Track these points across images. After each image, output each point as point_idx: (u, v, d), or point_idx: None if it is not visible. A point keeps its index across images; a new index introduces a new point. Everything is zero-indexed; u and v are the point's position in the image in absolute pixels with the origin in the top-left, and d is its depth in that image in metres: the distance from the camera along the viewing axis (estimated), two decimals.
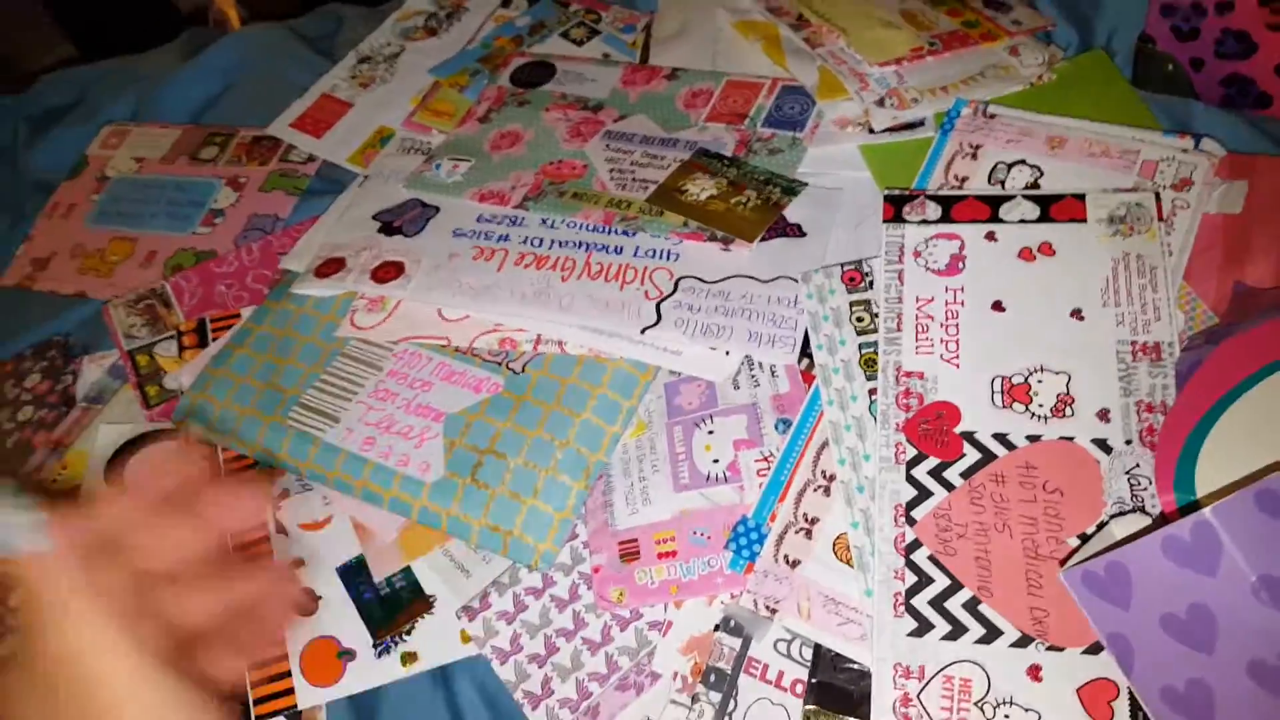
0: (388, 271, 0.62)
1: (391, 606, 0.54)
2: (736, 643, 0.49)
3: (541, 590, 0.53)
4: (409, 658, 0.52)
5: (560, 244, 0.62)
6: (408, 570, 0.55)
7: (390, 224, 0.65)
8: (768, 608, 0.49)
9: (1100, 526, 0.45)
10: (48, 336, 0.72)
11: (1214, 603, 0.34)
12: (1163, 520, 0.45)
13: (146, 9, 1.46)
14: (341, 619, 0.54)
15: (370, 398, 0.58)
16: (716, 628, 0.50)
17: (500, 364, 0.58)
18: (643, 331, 0.57)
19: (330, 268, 0.63)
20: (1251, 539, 0.33)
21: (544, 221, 0.63)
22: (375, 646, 0.53)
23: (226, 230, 0.75)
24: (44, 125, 0.90)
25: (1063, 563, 0.44)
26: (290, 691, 0.52)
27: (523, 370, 0.58)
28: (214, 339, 0.66)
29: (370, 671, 0.52)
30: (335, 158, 0.75)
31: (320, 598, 0.55)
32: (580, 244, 0.61)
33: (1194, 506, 0.44)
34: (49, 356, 0.70)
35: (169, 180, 0.80)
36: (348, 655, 0.53)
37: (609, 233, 0.62)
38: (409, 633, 0.53)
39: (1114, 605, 0.37)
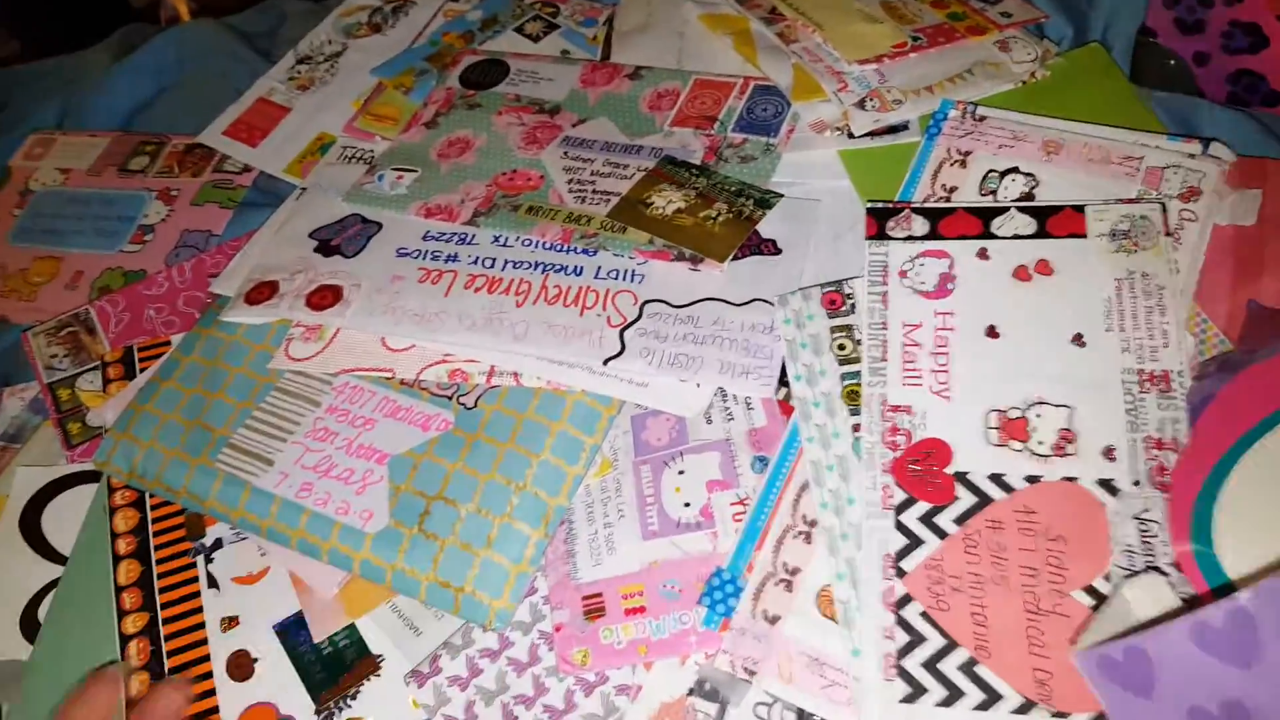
0: (324, 297, 0.56)
1: (334, 667, 0.49)
2: (712, 709, 0.45)
3: (498, 652, 0.48)
4: None
5: (514, 264, 0.56)
6: (351, 627, 0.50)
7: (328, 243, 0.59)
8: (745, 669, 0.45)
9: (1114, 587, 0.41)
10: None
11: (1250, 698, 0.29)
12: (1177, 572, 0.41)
13: (96, 3, 1.39)
14: (280, 682, 0.49)
15: (307, 437, 0.53)
16: (690, 692, 0.45)
17: (450, 398, 0.53)
18: (605, 363, 0.52)
19: (262, 293, 0.58)
20: None
21: (496, 239, 0.58)
22: (318, 713, 0.48)
23: (157, 248, 0.69)
24: None
25: (1073, 640, 0.40)
26: None
27: (475, 405, 0.53)
28: (142, 369, 0.61)
29: None
30: (271, 168, 0.70)
31: (256, 659, 0.50)
32: (536, 264, 0.56)
33: (1211, 559, 0.40)
34: None
35: (96, 194, 0.74)
36: None
37: (567, 251, 0.57)
38: (354, 697, 0.48)
39: (1133, 694, 0.32)
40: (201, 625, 0.51)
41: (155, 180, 0.73)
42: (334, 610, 0.51)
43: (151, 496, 0.55)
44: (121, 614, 0.51)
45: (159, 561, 0.53)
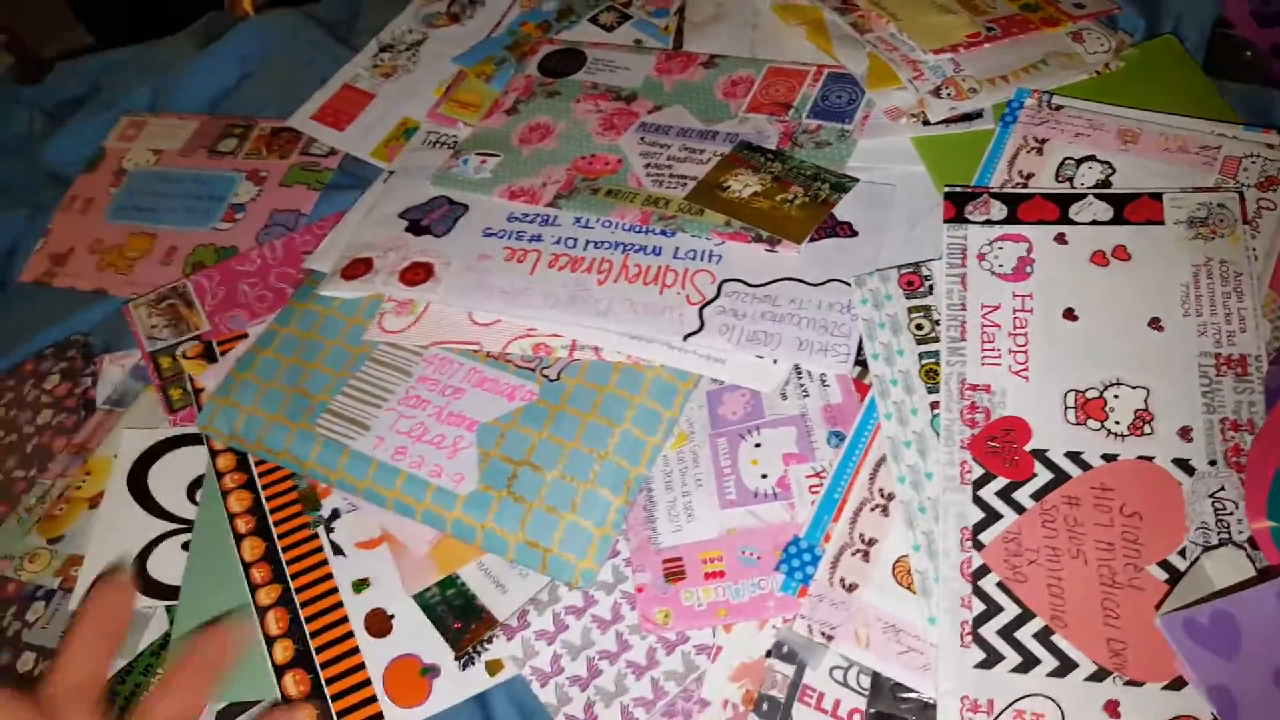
0: (416, 273, 0.59)
1: (466, 617, 0.52)
2: (790, 670, 0.47)
3: (582, 610, 0.50)
4: (495, 665, 0.50)
5: (595, 245, 0.59)
6: (462, 583, 0.53)
7: (418, 223, 0.62)
8: (823, 634, 0.46)
9: (1191, 560, 0.42)
10: (67, 335, 0.70)
11: None
12: (1254, 547, 0.42)
13: None
14: (418, 636, 0.52)
15: (400, 404, 0.56)
16: (768, 654, 0.47)
17: (534, 370, 0.56)
18: (685, 338, 0.54)
19: (357, 269, 0.60)
20: None
21: (577, 221, 0.60)
22: (458, 659, 0.50)
23: (247, 226, 0.72)
24: (60, 116, 0.87)
25: (1158, 606, 0.41)
26: (379, 717, 0.49)
27: (558, 378, 0.55)
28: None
29: (458, 685, 0.50)
30: (358, 151, 0.73)
31: (392, 615, 0.52)
32: (617, 245, 0.58)
33: None
34: (68, 357, 0.68)
35: (187, 173, 0.77)
36: (431, 672, 0.50)
37: (646, 233, 0.59)
38: (489, 641, 0.50)
39: (1218, 655, 0.34)
40: (334, 590, 0.54)
41: (244, 161, 0.76)
42: (425, 566, 0.53)
43: (257, 463, 0.58)
44: (254, 588, 0.54)
45: (280, 536, 0.56)
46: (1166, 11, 0.64)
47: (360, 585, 0.54)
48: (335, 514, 0.56)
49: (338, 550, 0.55)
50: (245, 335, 0.64)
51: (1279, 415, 0.44)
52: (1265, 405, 0.45)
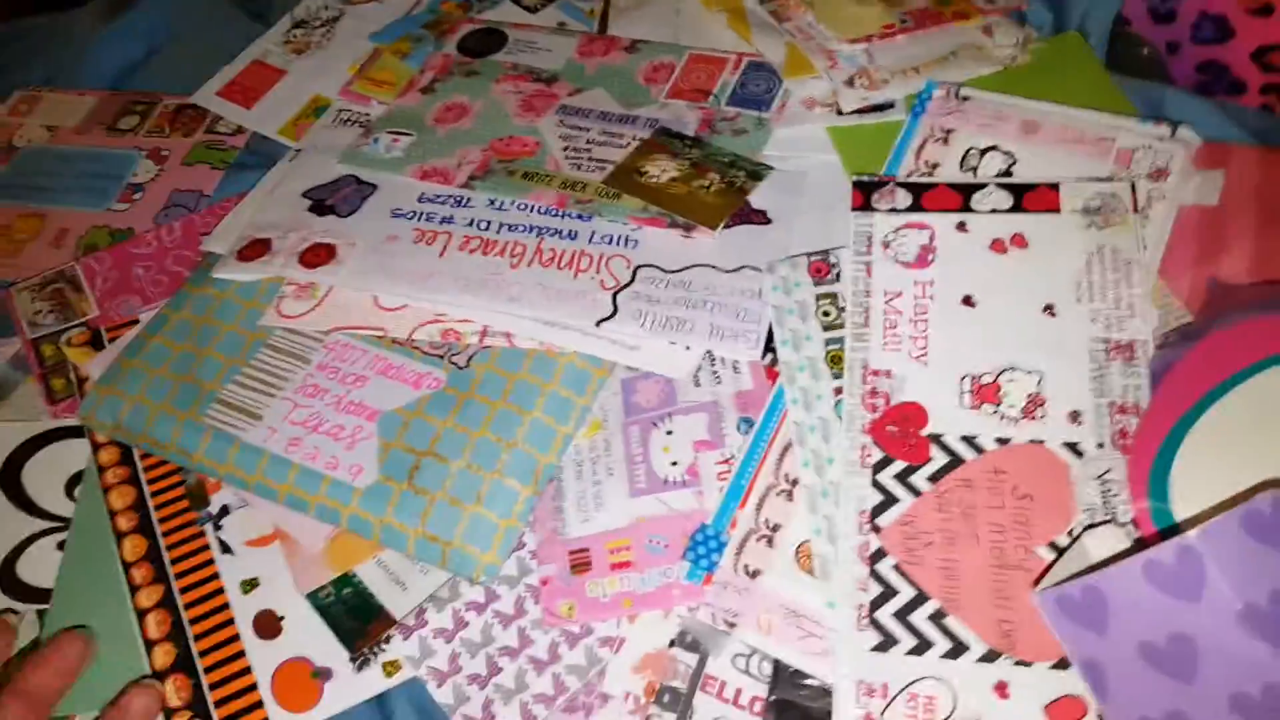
0: (318, 255, 0.57)
1: (363, 615, 0.50)
2: (693, 659, 0.46)
3: (484, 605, 0.49)
4: (392, 666, 0.48)
5: (509, 228, 0.57)
6: (356, 580, 0.51)
7: (322, 202, 0.60)
8: (726, 621, 0.46)
9: (1073, 538, 0.43)
10: None
11: (1196, 631, 0.32)
12: (1135, 529, 0.43)
13: None
14: (310, 637, 0.50)
15: (296, 393, 0.54)
16: (672, 643, 0.47)
17: (442, 357, 0.54)
18: (598, 324, 0.53)
19: (255, 250, 0.58)
20: (1237, 565, 0.31)
21: (492, 203, 0.59)
22: (353, 660, 0.49)
23: (146, 207, 0.69)
24: None
25: (1036, 582, 0.42)
26: None
27: (467, 365, 0.54)
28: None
29: (352, 687, 0.48)
30: (265, 129, 0.70)
31: (282, 617, 0.50)
32: (531, 228, 0.57)
33: (1167, 515, 0.43)
34: None
35: (83, 151, 0.73)
36: (323, 675, 0.49)
37: (562, 216, 0.58)
38: (387, 641, 0.49)
39: (1089, 630, 0.34)
40: (220, 591, 0.51)
41: (145, 139, 0.73)
42: (319, 564, 0.52)
43: (142, 456, 0.56)
44: (134, 589, 0.52)
45: (165, 534, 0.53)
46: (1073, 8, 0.66)
47: (249, 585, 0.52)
48: (225, 510, 0.54)
49: (226, 549, 0.53)
50: (137, 321, 0.61)
51: (1160, 398, 0.45)
52: (1150, 389, 0.46)
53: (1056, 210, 0.52)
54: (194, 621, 0.51)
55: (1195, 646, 0.32)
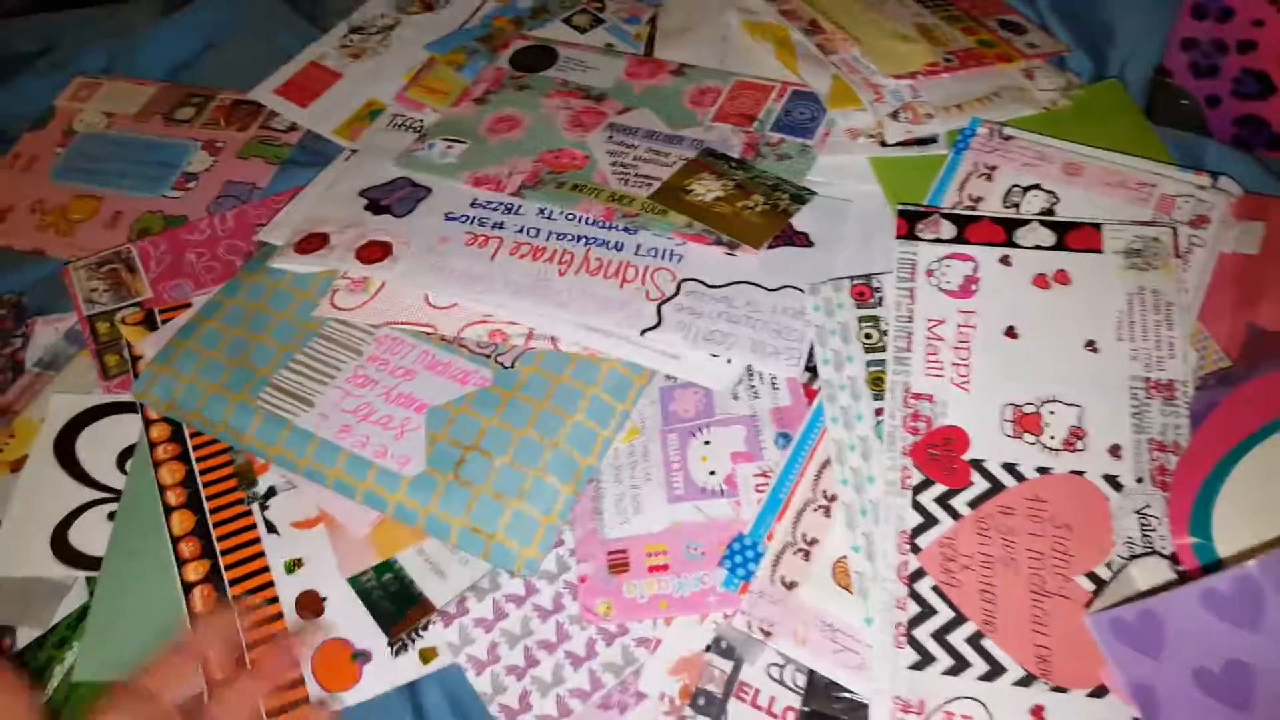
0: (374, 251, 0.58)
1: (401, 602, 0.51)
2: (728, 665, 0.47)
3: (523, 598, 0.50)
4: (428, 654, 0.49)
5: (558, 236, 0.59)
6: (398, 566, 0.52)
7: (378, 202, 0.62)
8: (762, 630, 0.47)
9: (1116, 569, 0.44)
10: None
11: (1253, 659, 0.32)
12: (1176, 562, 0.44)
13: None
14: (351, 620, 0.50)
15: (348, 383, 0.55)
16: (707, 648, 0.47)
17: (489, 357, 0.55)
18: (643, 333, 0.54)
19: (312, 243, 0.59)
20: None
21: (541, 212, 0.60)
22: (391, 645, 0.49)
23: (199, 196, 0.71)
24: (8, 72, 0.84)
25: (1087, 605, 0.43)
26: (306, 701, 0.48)
27: (512, 365, 0.55)
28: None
29: (390, 671, 0.49)
30: (320, 128, 0.72)
31: (325, 598, 0.51)
32: (579, 238, 0.59)
33: (1210, 551, 0.43)
34: None
35: (140, 139, 0.75)
36: (362, 657, 0.49)
37: (609, 228, 0.59)
38: (425, 628, 0.50)
39: (1143, 654, 0.35)
40: (265, 569, 0.52)
41: (201, 131, 0.75)
42: (363, 549, 0.52)
43: (192, 434, 0.57)
44: (181, 562, 0.52)
45: (213, 511, 0.54)
46: (1113, 57, 0.68)
47: (293, 565, 0.52)
48: (272, 491, 0.55)
49: (272, 528, 0.54)
50: (189, 305, 0.62)
51: (1202, 438, 0.46)
52: (1190, 428, 0.47)
53: (1099, 250, 0.53)
54: (239, 598, 0.51)
55: (1252, 674, 0.32)
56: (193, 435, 0.57)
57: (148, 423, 0.57)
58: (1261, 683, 0.32)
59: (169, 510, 0.54)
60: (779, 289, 0.56)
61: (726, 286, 0.56)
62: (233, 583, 0.52)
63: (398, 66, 0.74)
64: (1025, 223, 0.55)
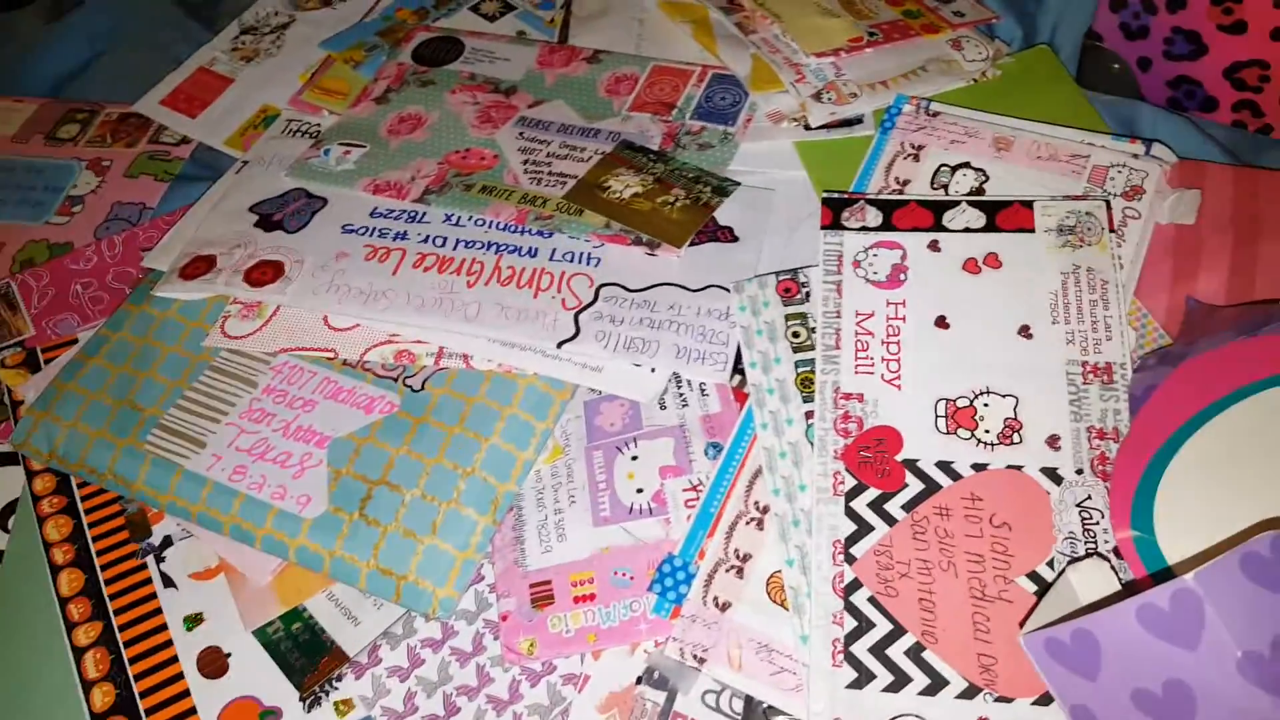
0: (264, 272, 0.54)
1: (313, 651, 0.47)
2: (661, 697, 0.44)
3: (441, 642, 0.47)
4: (344, 706, 0.45)
5: (466, 244, 0.55)
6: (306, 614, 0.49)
7: (269, 217, 0.57)
8: (695, 657, 0.44)
9: (1058, 573, 0.42)
10: None
11: (1193, 679, 0.30)
12: (1118, 558, 0.42)
13: None
14: (258, 675, 0.47)
15: (242, 419, 0.51)
16: (639, 680, 0.45)
17: (396, 380, 0.52)
18: (559, 345, 0.51)
19: (198, 267, 0.55)
20: (1236, 609, 0.30)
21: (448, 218, 0.56)
22: (304, 700, 0.46)
23: (86, 220, 0.66)
24: None
25: (1022, 622, 0.40)
26: None
27: (422, 388, 0.51)
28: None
29: None
30: (211, 140, 0.67)
31: (229, 654, 0.47)
32: (489, 245, 0.55)
33: (1152, 544, 0.41)
34: None
35: (21, 161, 0.70)
36: (273, 715, 0.46)
37: (522, 233, 0.56)
38: (339, 679, 0.46)
39: (1079, 675, 0.33)
40: (164, 627, 0.48)
41: (86, 150, 0.70)
42: (267, 598, 0.49)
43: (80, 484, 0.53)
44: (71, 626, 0.48)
45: (104, 567, 0.50)
46: (1043, 22, 0.65)
47: (193, 621, 0.49)
48: (168, 541, 0.51)
49: (169, 582, 0.50)
50: (75, 341, 0.58)
51: (1142, 423, 0.44)
52: (1130, 413, 0.45)
53: (1030, 229, 0.50)
54: (135, 660, 0.48)
55: (1192, 695, 0.30)
56: (80, 485, 0.53)
57: (31, 474, 0.53)
58: (1201, 703, 0.30)
59: (55, 569, 0.50)
60: (703, 289, 0.53)
61: (648, 290, 0.53)
62: (127, 644, 0.48)
63: (293, 68, 0.69)
64: (954, 204, 0.52)
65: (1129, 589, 0.41)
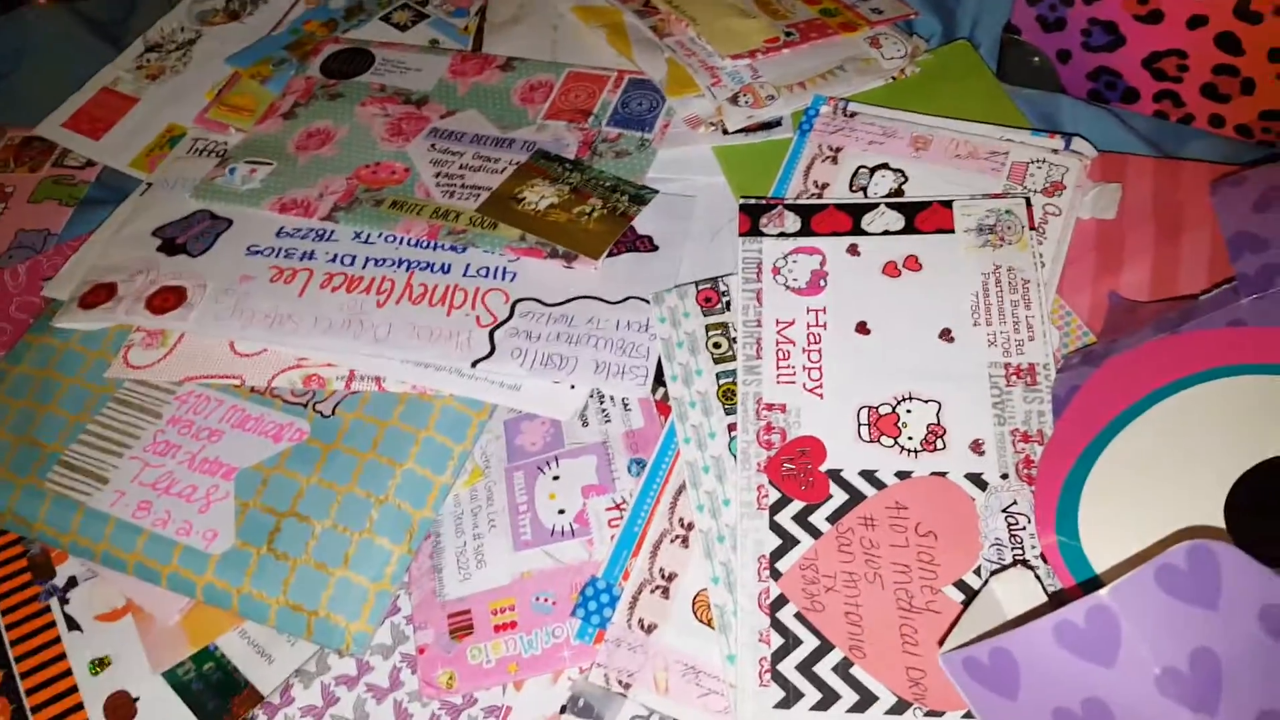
0: (166, 299, 0.52)
1: (226, 691, 0.45)
2: None
3: (356, 678, 0.45)
4: None
5: (376, 262, 0.53)
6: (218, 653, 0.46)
7: (173, 241, 0.55)
8: (620, 682, 0.43)
9: (983, 582, 0.41)
10: None
11: (1112, 697, 0.29)
12: (1045, 561, 0.41)
13: None
14: (168, 718, 0.45)
15: (146, 452, 0.49)
16: (563, 709, 0.43)
17: (305, 406, 0.50)
18: (474, 364, 0.49)
19: (98, 295, 0.53)
20: (1153, 624, 0.29)
21: (357, 236, 0.55)
22: None
23: None
24: None
25: (943, 638, 0.39)
26: None
27: (333, 413, 0.49)
28: None
29: None
30: (116, 162, 0.65)
31: (137, 699, 0.45)
32: (400, 262, 0.53)
33: (1076, 550, 0.40)
34: None
35: None
36: None
37: (434, 248, 0.54)
38: None
39: (999, 695, 0.32)
40: (69, 672, 0.46)
41: None
42: (176, 639, 0.47)
43: None
44: None
45: (5, 611, 0.48)
46: (962, 17, 0.65)
47: (99, 665, 0.46)
48: (72, 582, 0.49)
49: (74, 625, 0.47)
50: None
51: (1065, 425, 0.43)
52: (1053, 415, 0.44)
53: (950, 230, 0.50)
54: (38, 708, 0.45)
55: (1111, 713, 0.29)
56: None
57: None
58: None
59: None
60: (622, 301, 0.52)
61: (566, 304, 0.51)
62: (29, 692, 0.46)
63: (200, 85, 0.66)
64: (873, 207, 0.51)
65: (1056, 599, 0.40)
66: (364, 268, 0.53)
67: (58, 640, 0.47)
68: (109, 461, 0.49)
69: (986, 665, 0.32)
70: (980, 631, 0.37)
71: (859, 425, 0.45)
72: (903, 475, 0.44)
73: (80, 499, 0.48)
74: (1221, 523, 0.39)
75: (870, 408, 0.46)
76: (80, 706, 0.45)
